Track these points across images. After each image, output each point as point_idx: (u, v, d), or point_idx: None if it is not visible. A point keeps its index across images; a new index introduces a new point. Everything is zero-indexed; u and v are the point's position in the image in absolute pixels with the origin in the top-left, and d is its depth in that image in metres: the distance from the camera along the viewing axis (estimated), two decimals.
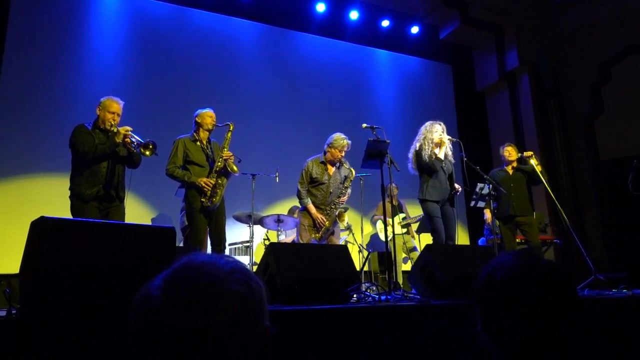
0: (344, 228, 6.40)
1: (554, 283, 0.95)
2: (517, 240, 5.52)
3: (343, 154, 4.65)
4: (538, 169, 5.21)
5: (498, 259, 1.03)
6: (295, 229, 5.43)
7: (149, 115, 6.29)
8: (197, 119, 4.33)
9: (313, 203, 4.61)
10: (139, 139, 3.82)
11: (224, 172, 4.17)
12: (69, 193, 3.78)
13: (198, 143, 4.28)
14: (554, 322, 0.92)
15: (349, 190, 4.81)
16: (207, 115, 4.32)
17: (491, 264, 1.03)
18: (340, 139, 4.65)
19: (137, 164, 4.01)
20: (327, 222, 4.58)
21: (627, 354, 2.95)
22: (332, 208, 4.64)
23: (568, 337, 0.93)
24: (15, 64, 5.82)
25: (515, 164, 5.49)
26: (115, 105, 3.90)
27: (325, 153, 4.72)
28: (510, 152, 5.47)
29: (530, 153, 5.35)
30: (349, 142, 4.67)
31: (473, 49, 9.29)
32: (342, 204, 4.72)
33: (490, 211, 5.46)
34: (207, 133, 4.34)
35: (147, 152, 3.77)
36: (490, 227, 5.90)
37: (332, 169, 4.73)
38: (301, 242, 4.63)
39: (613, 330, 3.02)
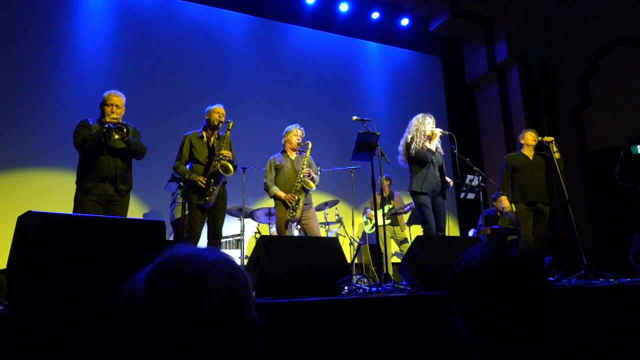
0: (335, 220, 6.41)
1: (523, 272, 0.96)
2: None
3: (299, 139, 4.87)
4: (556, 156, 5.01)
5: (468, 252, 1.04)
6: None
7: (137, 109, 6.22)
8: (206, 115, 4.30)
9: (283, 190, 4.71)
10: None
11: (217, 173, 4.10)
12: (58, 187, 3.77)
13: (204, 140, 4.25)
14: (526, 310, 0.93)
15: (313, 171, 4.84)
16: (214, 112, 4.26)
17: (462, 257, 1.04)
18: (291, 127, 4.94)
19: (136, 154, 3.92)
20: (296, 196, 4.66)
21: (614, 341, 3.00)
22: (299, 183, 4.72)
23: (543, 325, 0.94)
24: (1, 58, 5.73)
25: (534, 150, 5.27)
26: (115, 97, 3.86)
27: (283, 145, 4.93)
28: (534, 137, 5.26)
29: (550, 139, 5.09)
30: (302, 128, 4.93)
31: (463, 41, 9.31)
32: (307, 174, 4.74)
33: (508, 198, 5.19)
34: (215, 130, 4.27)
35: (117, 136, 3.67)
36: (483, 219, 5.92)
37: (293, 154, 4.91)
38: (282, 234, 4.66)
39: (600, 319, 3.07)
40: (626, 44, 8.06)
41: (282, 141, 4.95)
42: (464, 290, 0.99)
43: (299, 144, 4.86)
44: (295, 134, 4.88)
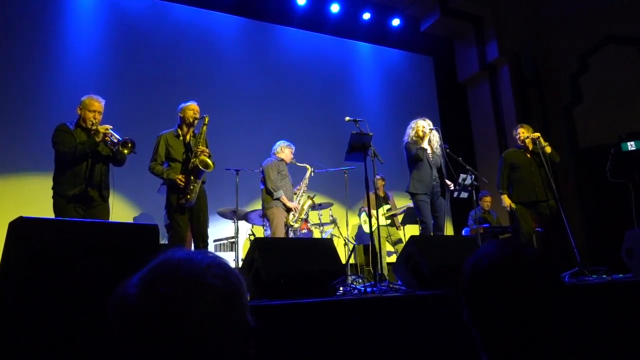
0: (329, 221, 6.41)
1: (537, 270, 0.98)
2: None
3: (292, 155, 5.49)
4: (547, 150, 4.89)
5: (483, 249, 1.06)
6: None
7: (130, 112, 6.20)
8: (179, 113, 4.26)
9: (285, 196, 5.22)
10: (119, 137, 3.76)
11: (196, 169, 4.06)
12: (50, 192, 3.72)
13: (180, 138, 4.20)
14: (538, 307, 0.95)
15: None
16: (188, 109, 4.22)
17: (477, 253, 1.05)
18: (285, 143, 5.52)
19: (121, 162, 3.94)
20: (305, 210, 5.31)
21: (606, 336, 3.02)
22: (305, 200, 5.42)
23: (552, 322, 0.95)
24: None
25: (530, 146, 5.14)
26: (96, 103, 3.82)
27: (276, 153, 5.45)
28: (526, 134, 5.13)
29: (536, 135, 4.99)
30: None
31: (454, 41, 9.34)
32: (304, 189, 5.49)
33: (508, 197, 5.11)
34: (191, 127, 4.24)
35: (126, 151, 3.73)
36: (475, 217, 5.94)
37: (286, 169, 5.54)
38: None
39: (594, 314, 3.09)
40: (615, 41, 8.12)
41: (276, 150, 5.40)
42: (477, 283, 1.01)
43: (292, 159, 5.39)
44: (292, 151, 5.45)
